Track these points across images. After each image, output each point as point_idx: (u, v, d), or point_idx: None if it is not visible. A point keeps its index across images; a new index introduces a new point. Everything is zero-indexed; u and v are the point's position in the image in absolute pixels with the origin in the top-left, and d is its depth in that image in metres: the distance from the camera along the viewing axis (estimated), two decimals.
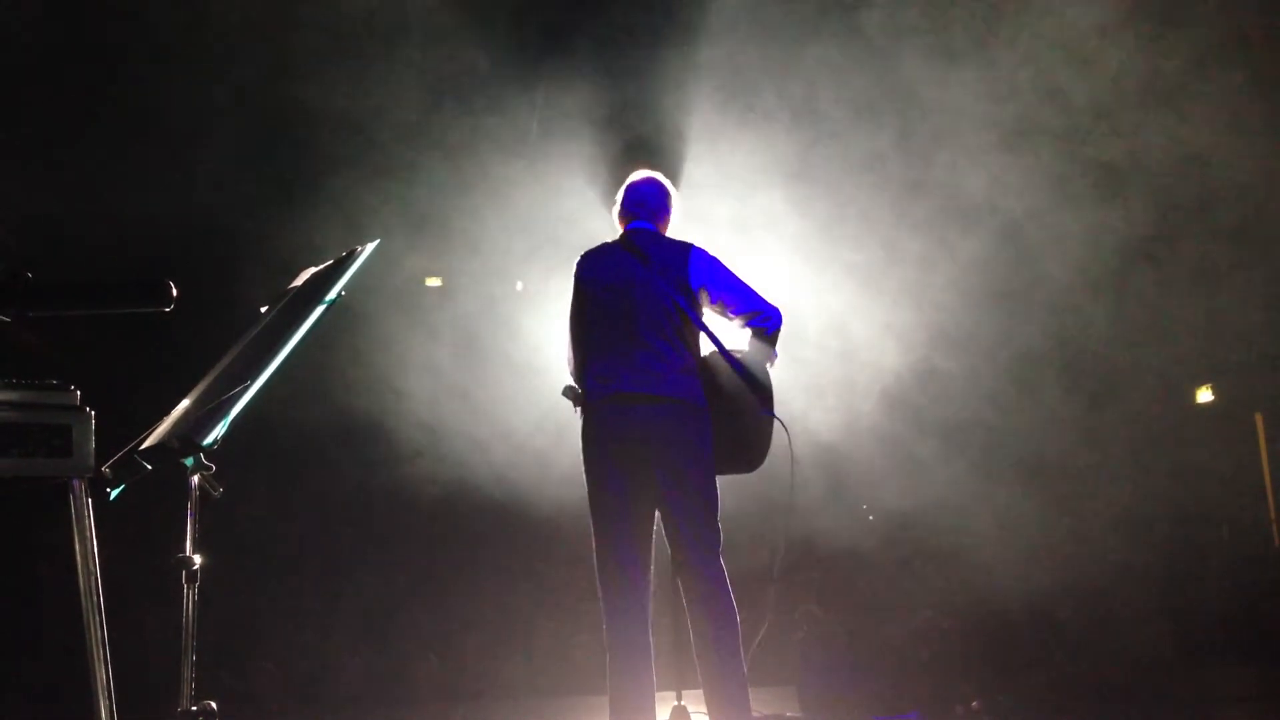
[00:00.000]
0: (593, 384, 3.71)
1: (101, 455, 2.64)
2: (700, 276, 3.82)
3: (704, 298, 3.83)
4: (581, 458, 3.74)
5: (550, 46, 7.28)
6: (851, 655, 5.50)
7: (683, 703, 4.25)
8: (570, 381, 3.94)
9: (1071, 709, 5.90)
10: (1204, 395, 9.62)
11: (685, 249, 3.89)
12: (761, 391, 3.80)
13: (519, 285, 8.19)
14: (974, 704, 5.39)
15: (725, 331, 3.90)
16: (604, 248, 4.01)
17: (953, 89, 6.93)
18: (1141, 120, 7.10)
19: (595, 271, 3.89)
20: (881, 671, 5.44)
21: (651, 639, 3.63)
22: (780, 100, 7.06)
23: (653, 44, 7.27)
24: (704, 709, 3.63)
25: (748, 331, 3.86)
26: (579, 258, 3.96)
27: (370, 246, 3.06)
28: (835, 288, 6.79)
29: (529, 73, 7.34)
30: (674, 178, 4.37)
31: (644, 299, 3.74)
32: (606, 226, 6.03)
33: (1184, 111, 6.90)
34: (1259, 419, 9.23)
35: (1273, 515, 9.14)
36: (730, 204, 6.47)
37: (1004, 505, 7.72)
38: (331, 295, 2.90)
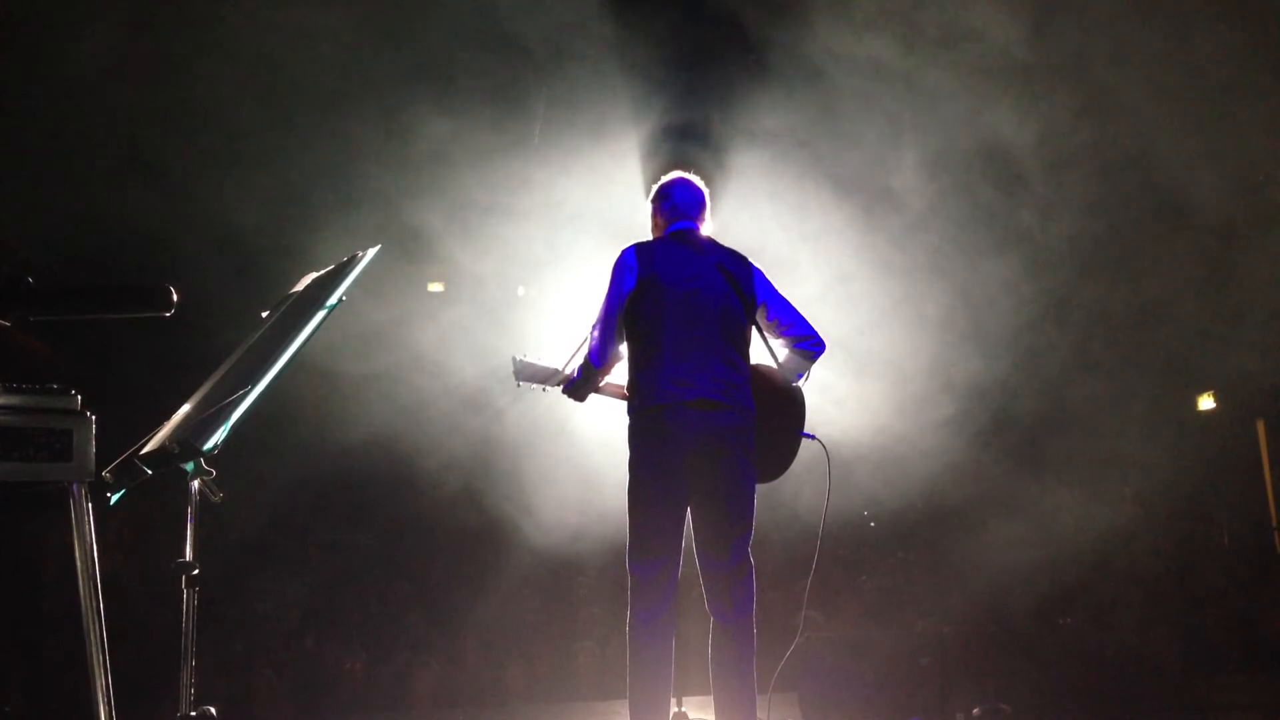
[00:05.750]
0: (668, 385, 3.68)
1: (102, 460, 2.64)
2: (763, 291, 3.96)
3: (761, 312, 3.97)
4: (636, 455, 3.72)
5: (554, 53, 7.29)
6: (852, 662, 5.49)
7: (683, 709, 4.25)
8: (529, 355, 4.05)
9: (1073, 716, 5.89)
10: (1206, 403, 9.62)
11: (746, 260, 3.99)
12: (802, 411, 4.01)
13: (520, 290, 8.20)
14: (975, 711, 5.39)
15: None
16: (666, 244, 3.95)
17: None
18: (1141, 122, 7.11)
19: (667, 268, 3.83)
20: (882, 678, 5.42)
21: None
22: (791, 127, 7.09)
23: (659, 54, 7.28)
24: (703, 715, 3.65)
25: (785, 351, 4.02)
26: (630, 249, 3.89)
27: (371, 252, 3.06)
28: (851, 298, 6.81)
29: (532, 78, 7.36)
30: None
31: (723, 307, 3.81)
32: (608, 231, 6.04)
33: (1186, 114, 6.92)
34: (1260, 426, 9.23)
35: (1275, 522, 9.13)
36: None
37: (1006, 511, 7.72)
38: (332, 300, 2.90)
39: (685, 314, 3.76)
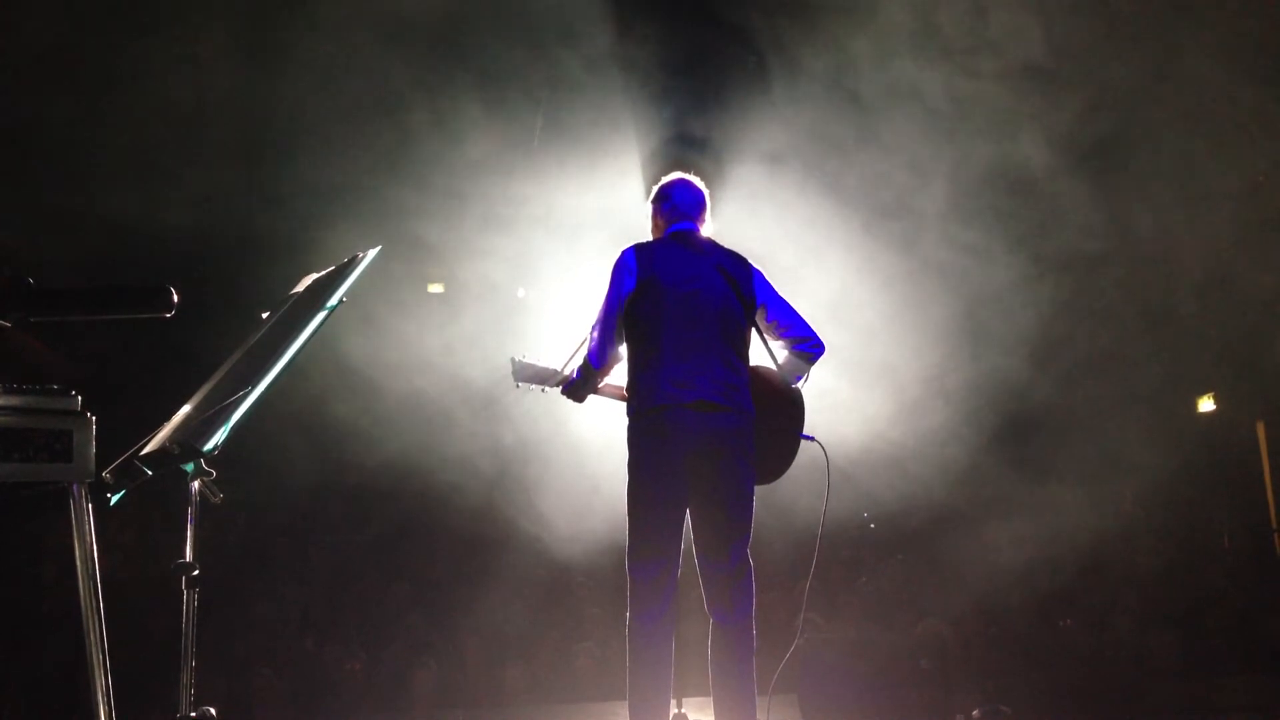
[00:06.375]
0: (668, 386, 3.67)
1: (102, 460, 2.64)
2: (762, 293, 3.96)
3: (761, 313, 3.97)
4: (636, 456, 3.72)
5: (554, 57, 7.30)
6: (852, 663, 5.49)
7: (682, 710, 4.25)
8: (528, 355, 4.04)
9: (1073, 718, 5.89)
10: (1206, 404, 9.63)
11: (746, 262, 3.98)
12: (801, 413, 4.01)
13: (520, 292, 8.20)
14: (975, 713, 5.39)
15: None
16: (666, 245, 3.95)
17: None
18: (1137, 121, 7.12)
19: (666, 269, 3.82)
20: (882, 680, 5.43)
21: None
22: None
23: (660, 58, 7.29)
24: (702, 716, 3.65)
25: (785, 353, 4.02)
26: (630, 250, 3.89)
27: (372, 253, 3.06)
28: (852, 302, 6.81)
29: (532, 80, 7.36)
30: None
31: (723, 308, 3.80)
32: (607, 234, 6.02)
33: (1183, 113, 6.93)
34: (1260, 428, 9.23)
35: (1274, 524, 9.13)
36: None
37: (1006, 513, 7.72)
38: (333, 301, 2.90)
39: (685, 315, 3.75)
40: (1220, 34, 6.68)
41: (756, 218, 6.60)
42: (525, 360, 4.08)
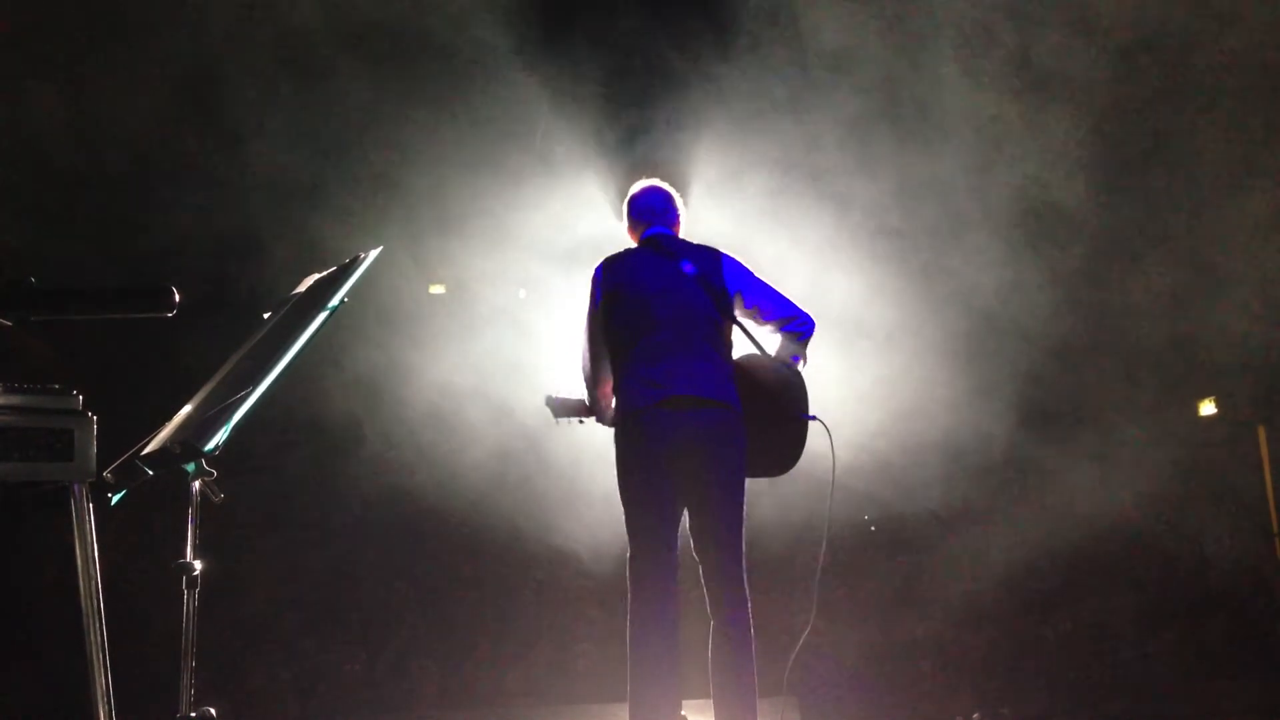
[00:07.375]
0: (641, 389, 3.69)
1: (103, 460, 2.64)
2: (735, 282, 3.92)
3: (738, 302, 3.91)
4: (620, 459, 3.75)
5: (556, 55, 7.30)
6: (852, 666, 5.49)
7: (683, 713, 4.24)
8: (562, 390, 4.05)
9: None
10: (1207, 408, 9.61)
11: (715, 254, 3.97)
12: (800, 394, 3.90)
13: (521, 293, 8.19)
14: (975, 715, 5.39)
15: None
16: (632, 253, 4.01)
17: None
18: (1145, 129, 7.12)
19: (631, 277, 3.87)
20: (882, 683, 5.43)
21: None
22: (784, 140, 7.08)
23: (665, 56, 7.29)
24: (703, 718, 3.64)
25: (777, 337, 3.97)
26: (600, 265, 3.95)
27: (373, 253, 3.07)
28: (850, 290, 6.80)
29: (534, 79, 7.36)
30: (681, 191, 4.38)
31: (696, 306, 3.80)
32: (608, 233, 6.03)
33: (1193, 123, 6.93)
34: (1261, 431, 9.21)
35: (1275, 529, 9.12)
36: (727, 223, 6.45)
37: (1006, 516, 7.72)
38: (334, 302, 2.91)
39: (656, 318, 3.77)
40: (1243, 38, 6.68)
41: (757, 223, 6.60)
42: (559, 396, 4.09)
